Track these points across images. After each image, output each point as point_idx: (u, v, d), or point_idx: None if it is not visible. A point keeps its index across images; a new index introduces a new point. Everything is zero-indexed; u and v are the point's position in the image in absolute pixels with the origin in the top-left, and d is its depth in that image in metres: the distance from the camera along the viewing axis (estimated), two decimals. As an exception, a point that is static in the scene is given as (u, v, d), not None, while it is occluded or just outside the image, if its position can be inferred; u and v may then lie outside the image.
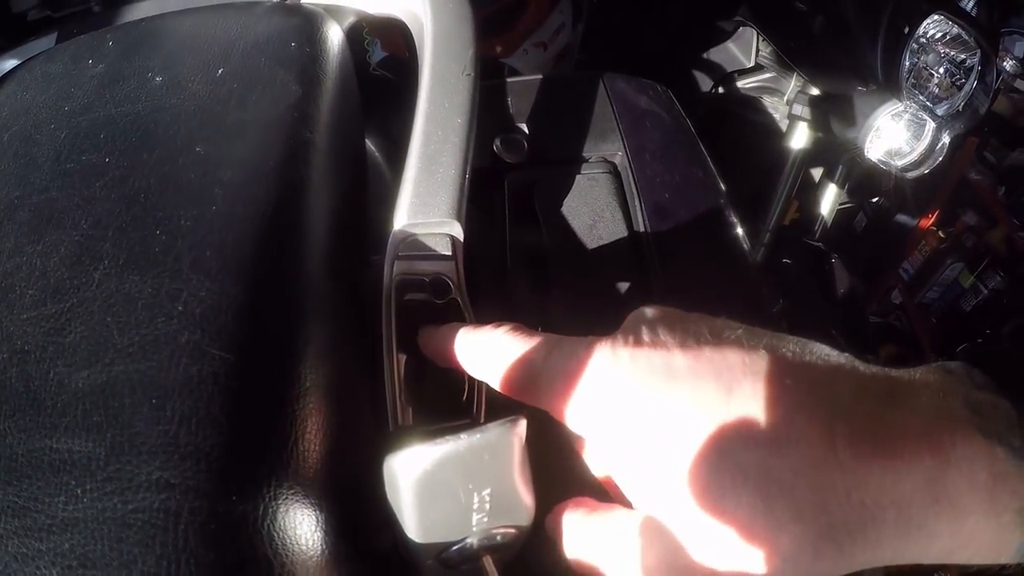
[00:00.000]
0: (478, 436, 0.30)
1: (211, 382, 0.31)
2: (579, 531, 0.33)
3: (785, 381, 0.26)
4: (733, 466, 0.25)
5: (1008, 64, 1.33)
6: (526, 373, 0.32)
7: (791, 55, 1.48)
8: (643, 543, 0.28)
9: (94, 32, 0.65)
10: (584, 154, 0.62)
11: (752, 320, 0.30)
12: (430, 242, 0.40)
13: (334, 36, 0.54)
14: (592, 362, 0.30)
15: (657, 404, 0.27)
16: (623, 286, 0.55)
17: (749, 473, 0.24)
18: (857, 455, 0.24)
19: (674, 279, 0.56)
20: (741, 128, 1.58)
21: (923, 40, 1.28)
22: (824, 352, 0.28)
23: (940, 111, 1.32)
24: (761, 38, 1.55)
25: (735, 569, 0.25)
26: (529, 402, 0.33)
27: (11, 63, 0.72)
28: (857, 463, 0.24)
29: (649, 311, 0.31)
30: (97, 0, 0.77)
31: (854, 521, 0.24)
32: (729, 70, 1.61)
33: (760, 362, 0.27)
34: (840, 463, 0.24)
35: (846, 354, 0.28)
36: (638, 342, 0.29)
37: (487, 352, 0.34)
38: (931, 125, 1.32)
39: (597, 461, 0.37)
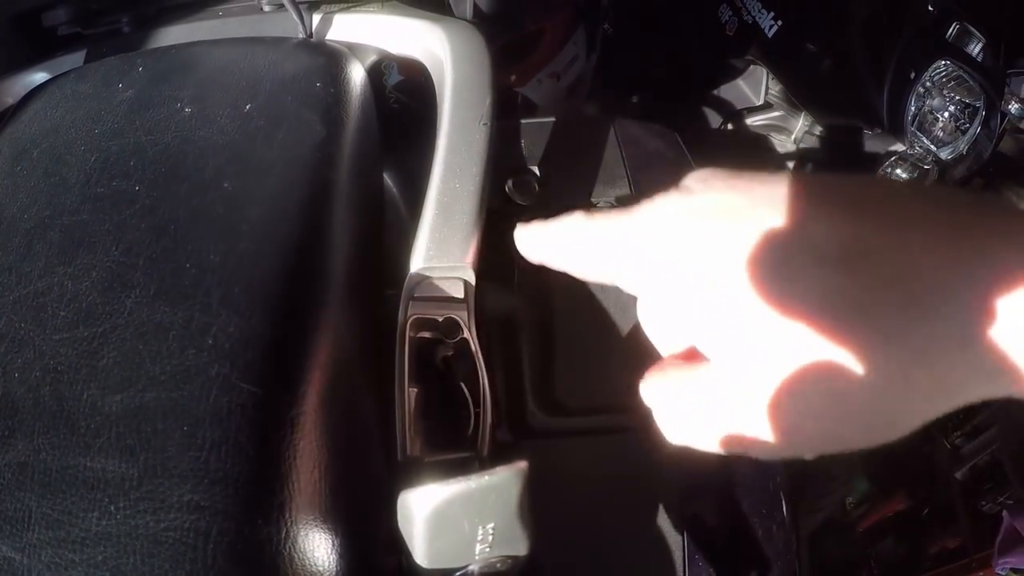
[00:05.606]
0: (486, 478, 0.33)
1: (239, 413, 0.33)
2: (659, 391, 0.28)
3: (830, 192, 0.23)
4: (802, 291, 0.21)
5: (1014, 107, 1.34)
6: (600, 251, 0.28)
7: (799, 95, 1.51)
8: (719, 390, 0.25)
9: (124, 55, 0.66)
10: (593, 198, 0.65)
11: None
12: (444, 285, 0.43)
13: (357, 76, 0.57)
14: (636, 220, 0.27)
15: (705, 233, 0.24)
16: (625, 325, 0.58)
17: (824, 296, 0.21)
18: (938, 265, 0.20)
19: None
20: (749, 165, 1.61)
21: (928, 84, 1.31)
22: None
23: (944, 155, 1.34)
24: (771, 77, 1.58)
25: (820, 408, 0.22)
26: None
27: (40, 76, 0.73)
28: (940, 274, 0.20)
29: (695, 174, 0.27)
30: (128, 20, 0.77)
31: (945, 338, 0.20)
32: (739, 107, 1.63)
33: (802, 180, 0.24)
34: (921, 276, 0.20)
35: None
36: (682, 190, 0.26)
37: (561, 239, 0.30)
38: (935, 169, 1.35)
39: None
